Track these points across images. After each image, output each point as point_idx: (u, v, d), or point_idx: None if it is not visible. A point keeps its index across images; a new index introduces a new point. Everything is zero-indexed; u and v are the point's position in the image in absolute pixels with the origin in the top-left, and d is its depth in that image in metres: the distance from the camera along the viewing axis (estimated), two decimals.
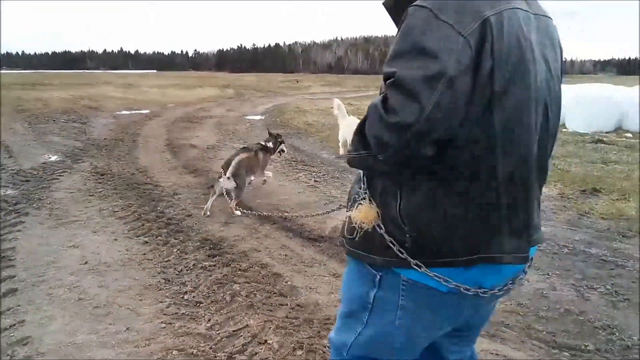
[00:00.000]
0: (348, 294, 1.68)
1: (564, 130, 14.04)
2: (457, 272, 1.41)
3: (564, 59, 1.57)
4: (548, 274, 4.40)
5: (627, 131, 13.92)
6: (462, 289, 1.41)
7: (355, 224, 1.50)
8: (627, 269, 4.56)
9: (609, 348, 3.28)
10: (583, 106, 14.28)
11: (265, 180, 6.99)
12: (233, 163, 5.94)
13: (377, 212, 1.47)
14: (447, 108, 1.20)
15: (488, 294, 1.46)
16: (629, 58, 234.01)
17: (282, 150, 7.21)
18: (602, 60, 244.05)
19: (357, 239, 1.53)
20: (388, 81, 1.25)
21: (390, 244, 1.43)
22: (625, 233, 5.57)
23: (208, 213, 5.99)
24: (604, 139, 12.10)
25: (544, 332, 3.46)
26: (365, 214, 1.48)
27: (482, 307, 1.60)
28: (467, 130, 1.28)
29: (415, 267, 1.41)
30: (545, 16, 1.48)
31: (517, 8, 1.31)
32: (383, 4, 1.51)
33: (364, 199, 1.51)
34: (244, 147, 6.78)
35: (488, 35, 1.23)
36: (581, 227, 5.81)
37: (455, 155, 1.31)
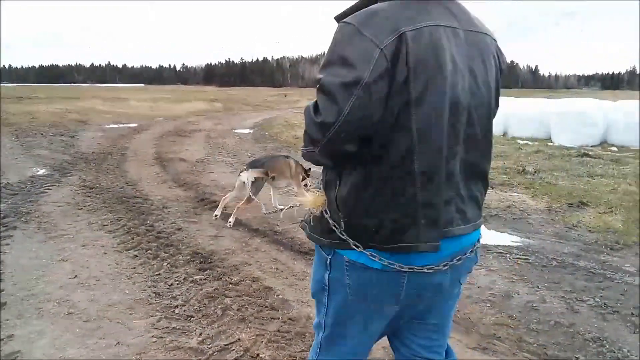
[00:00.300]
0: (313, 278, 1.83)
1: (550, 144, 14.21)
2: (389, 253, 1.57)
3: (500, 71, 1.73)
4: (538, 287, 4.43)
5: (612, 145, 14.13)
6: (396, 267, 1.56)
7: (307, 209, 1.72)
8: (616, 281, 4.60)
9: None
10: (568, 120, 14.51)
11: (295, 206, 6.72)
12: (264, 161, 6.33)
13: (324, 199, 1.67)
14: (363, 110, 1.40)
15: (425, 270, 1.59)
16: (612, 73, 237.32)
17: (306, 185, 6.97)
18: (585, 75, 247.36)
19: (312, 223, 1.73)
20: (317, 87, 1.46)
21: (333, 227, 1.62)
22: (612, 246, 5.63)
23: (218, 214, 6.33)
24: (590, 153, 12.24)
25: (535, 345, 3.48)
26: (314, 200, 1.68)
27: (434, 290, 1.69)
28: (386, 130, 1.46)
29: (354, 247, 1.58)
30: (480, 32, 1.64)
31: (440, 25, 1.48)
32: (334, 18, 1.64)
33: (317, 187, 1.74)
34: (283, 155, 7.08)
35: (403, 48, 1.40)
36: (569, 240, 5.87)
37: (376, 151, 1.49)
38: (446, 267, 1.63)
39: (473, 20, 1.64)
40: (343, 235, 1.59)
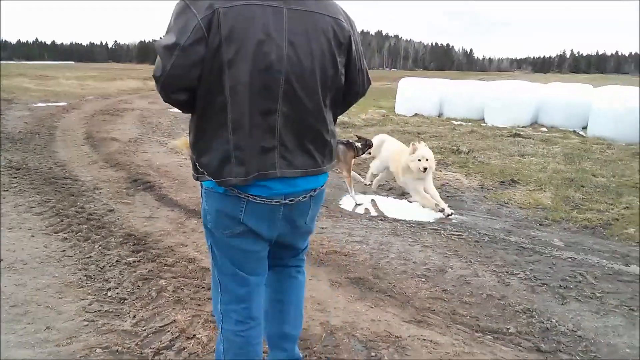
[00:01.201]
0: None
1: (483, 125, 14.61)
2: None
3: (339, 44, 2.03)
4: (471, 261, 4.56)
5: (542, 125, 14.65)
6: (235, 192, 1.99)
7: (177, 150, 1.97)
8: (545, 255, 4.79)
9: (529, 330, 3.42)
10: (501, 102, 14.93)
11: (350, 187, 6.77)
12: None
13: (187, 141, 2.10)
14: (182, 68, 1.81)
15: (258, 200, 2.01)
16: (544, 57, 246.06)
17: (369, 152, 7.04)
18: (518, 58, 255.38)
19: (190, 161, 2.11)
20: None
21: (194, 164, 2.03)
22: (542, 221, 5.86)
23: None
24: (521, 133, 12.66)
25: (468, 317, 3.58)
26: (181, 142, 2.09)
27: (270, 218, 2.09)
28: (208, 86, 1.87)
29: (209, 178, 1.97)
30: (312, 12, 1.95)
31: (255, 4, 1.84)
32: None
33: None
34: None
35: (215, 20, 1.78)
36: (501, 216, 6.06)
37: (203, 103, 1.92)
38: (278, 203, 2.06)
39: (307, 3, 1.95)
40: (200, 169, 2.00)
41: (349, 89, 2.21)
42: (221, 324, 2.28)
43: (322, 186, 2.22)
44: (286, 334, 2.55)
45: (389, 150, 6.85)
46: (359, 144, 6.75)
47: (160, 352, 3.01)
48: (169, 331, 3.24)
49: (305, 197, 2.13)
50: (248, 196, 2.00)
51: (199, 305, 3.57)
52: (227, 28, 1.79)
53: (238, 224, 2.07)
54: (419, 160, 5.93)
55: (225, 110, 1.87)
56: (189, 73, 1.83)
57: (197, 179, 2.06)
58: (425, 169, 5.93)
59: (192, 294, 3.74)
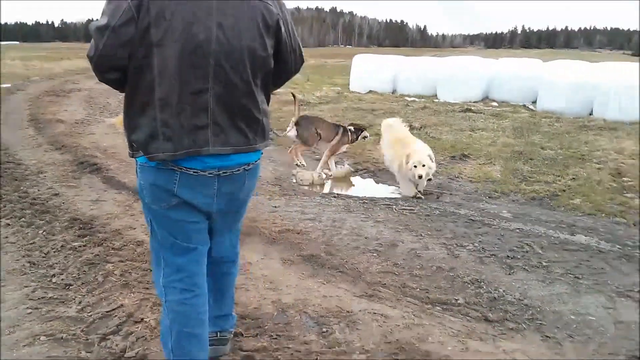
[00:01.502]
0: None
1: (436, 100, 14.73)
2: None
3: (267, 27, 2.13)
4: (421, 235, 4.61)
5: (493, 100, 14.87)
6: (169, 166, 2.06)
7: (116, 127, 2.02)
8: (493, 227, 4.89)
9: (477, 300, 3.49)
10: (453, 78, 15.07)
11: (328, 176, 6.92)
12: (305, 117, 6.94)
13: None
14: (112, 48, 1.93)
15: (192, 172, 2.10)
16: (496, 32, 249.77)
17: (365, 137, 7.34)
18: (471, 34, 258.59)
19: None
20: None
21: (128, 140, 2.12)
22: (491, 194, 5.98)
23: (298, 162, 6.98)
24: (472, 108, 12.81)
25: (418, 289, 3.62)
26: (119, 120, 2.07)
27: (203, 191, 2.17)
28: (138, 65, 1.96)
29: (141, 154, 2.07)
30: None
31: None
32: None
33: None
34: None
35: (145, 2, 1.88)
36: (451, 190, 6.16)
37: (133, 82, 2.02)
38: (211, 175, 2.15)
39: None
40: (133, 145, 2.10)
41: (281, 68, 2.32)
42: (164, 297, 2.31)
43: (255, 161, 2.32)
44: (221, 316, 2.69)
45: (388, 139, 6.58)
46: (351, 129, 7.06)
47: (106, 337, 2.95)
48: (115, 316, 3.17)
49: (239, 170, 2.23)
50: (182, 169, 2.09)
51: (147, 288, 3.50)
52: (156, 10, 1.89)
53: (172, 196, 2.15)
54: (415, 166, 5.63)
55: (153, 89, 1.97)
56: (119, 53, 1.94)
57: (132, 156, 2.16)
58: (420, 176, 5.65)
59: (140, 277, 3.66)
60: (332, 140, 6.90)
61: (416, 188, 5.96)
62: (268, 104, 2.35)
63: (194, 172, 2.11)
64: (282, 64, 2.30)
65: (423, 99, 14.90)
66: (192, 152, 2.05)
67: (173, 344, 2.30)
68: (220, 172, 2.17)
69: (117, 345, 2.89)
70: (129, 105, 2.09)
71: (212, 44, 1.98)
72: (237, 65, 2.07)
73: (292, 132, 6.81)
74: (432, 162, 5.74)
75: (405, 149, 5.89)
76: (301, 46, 2.40)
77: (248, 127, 2.19)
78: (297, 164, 6.99)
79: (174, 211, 2.19)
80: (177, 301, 2.29)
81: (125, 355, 2.80)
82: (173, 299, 2.29)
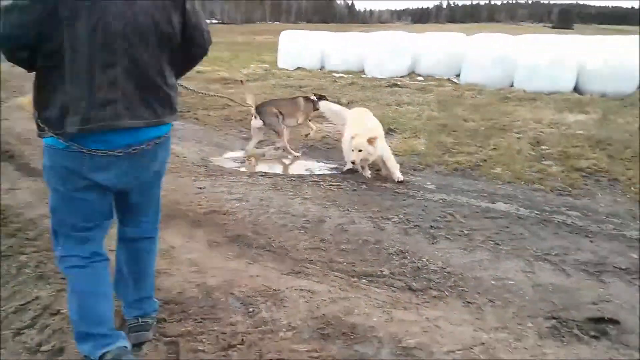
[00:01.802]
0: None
1: (364, 76, 14.81)
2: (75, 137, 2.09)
3: (170, 4, 2.19)
4: (348, 210, 4.65)
5: (419, 75, 15.10)
6: (75, 147, 2.09)
7: (24, 108, 1.97)
8: (417, 198, 4.99)
9: (402, 271, 3.56)
10: (379, 53, 15.20)
11: (308, 134, 7.24)
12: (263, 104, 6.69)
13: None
14: (20, 27, 1.96)
15: (100, 153, 2.14)
16: (422, 7, 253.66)
17: (317, 109, 7.09)
18: (398, 10, 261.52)
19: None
20: None
21: (37, 121, 2.13)
22: (416, 167, 6.08)
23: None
24: (399, 83, 12.98)
25: (345, 264, 3.65)
26: (28, 100, 1.95)
27: (116, 170, 2.23)
28: (49, 43, 1.98)
29: (51, 134, 2.09)
30: None
31: None
32: None
33: None
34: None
35: None
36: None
37: (43, 60, 2.04)
38: (121, 154, 2.19)
39: None
40: (41, 125, 2.11)
41: (187, 46, 2.37)
42: (64, 266, 2.40)
43: (165, 134, 2.39)
44: (142, 298, 2.74)
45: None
46: (313, 97, 7.14)
47: (21, 332, 2.82)
48: (30, 309, 3.03)
49: (149, 144, 2.28)
50: (90, 151, 2.12)
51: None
52: None
53: (81, 179, 2.19)
54: (353, 150, 5.41)
55: (63, 66, 2.01)
56: (27, 31, 1.97)
57: (40, 136, 2.17)
58: (353, 162, 5.50)
59: (57, 268, 3.49)
60: (295, 114, 6.81)
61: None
62: (180, 79, 2.48)
63: (103, 152, 2.14)
64: (189, 41, 2.35)
65: (351, 75, 14.93)
66: (105, 126, 2.09)
67: (76, 306, 2.39)
68: (130, 150, 2.21)
69: (32, 339, 2.76)
70: (39, 82, 2.12)
71: (119, 20, 2.04)
72: (144, 41, 2.13)
73: (256, 122, 6.56)
74: (374, 146, 5.38)
75: (355, 128, 5.71)
76: (208, 26, 2.46)
77: (157, 102, 2.25)
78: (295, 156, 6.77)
79: (81, 192, 2.23)
80: (77, 267, 2.36)
81: (41, 349, 2.68)
82: (74, 265, 2.36)
